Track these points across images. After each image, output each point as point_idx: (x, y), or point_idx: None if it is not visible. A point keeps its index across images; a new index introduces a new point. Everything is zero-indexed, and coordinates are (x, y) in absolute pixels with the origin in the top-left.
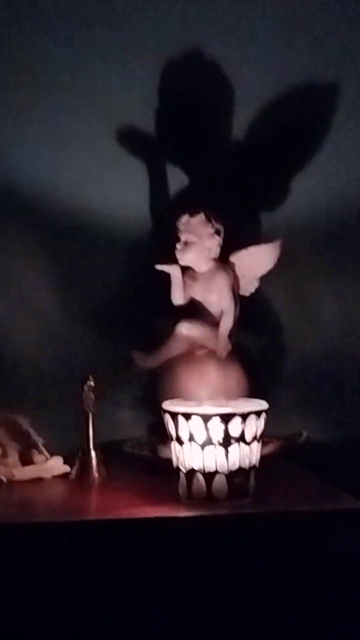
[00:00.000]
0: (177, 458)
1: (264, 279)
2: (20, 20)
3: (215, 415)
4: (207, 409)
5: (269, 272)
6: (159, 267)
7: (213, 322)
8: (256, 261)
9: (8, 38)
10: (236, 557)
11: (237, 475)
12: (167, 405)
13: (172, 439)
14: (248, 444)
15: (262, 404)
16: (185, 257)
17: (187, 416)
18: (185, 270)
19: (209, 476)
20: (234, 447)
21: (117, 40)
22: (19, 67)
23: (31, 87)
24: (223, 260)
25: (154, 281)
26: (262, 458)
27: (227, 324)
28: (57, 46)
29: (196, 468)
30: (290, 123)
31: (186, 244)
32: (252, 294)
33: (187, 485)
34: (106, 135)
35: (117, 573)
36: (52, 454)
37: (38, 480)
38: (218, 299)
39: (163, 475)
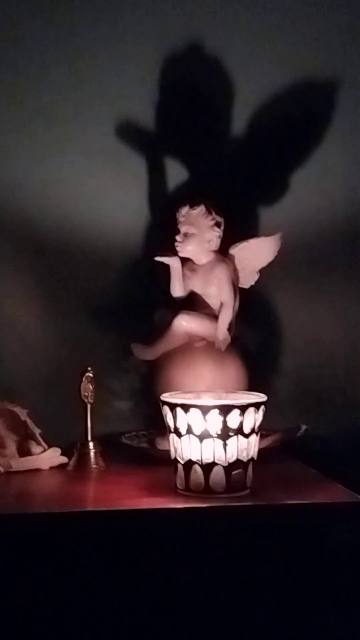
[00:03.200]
0: (175, 450)
1: (264, 272)
2: (18, 17)
3: (214, 407)
4: (205, 401)
5: (269, 265)
6: (158, 258)
7: (212, 314)
8: (256, 254)
9: (7, 37)
10: (233, 549)
11: (235, 468)
12: (166, 397)
13: (170, 431)
14: (246, 436)
15: (261, 397)
16: (185, 249)
17: (186, 408)
18: (184, 262)
19: (207, 468)
20: (232, 440)
21: (116, 33)
22: (17, 64)
23: (30, 84)
24: (223, 253)
25: (153, 273)
26: (261, 451)
27: (226, 316)
28: (56, 42)
29: (194, 460)
30: (290, 116)
31: (186, 235)
32: (251, 287)
33: (184, 477)
34: (106, 128)
35: (114, 564)
36: (50, 445)
37: (36, 471)
38: (217, 291)
39: (161, 467)
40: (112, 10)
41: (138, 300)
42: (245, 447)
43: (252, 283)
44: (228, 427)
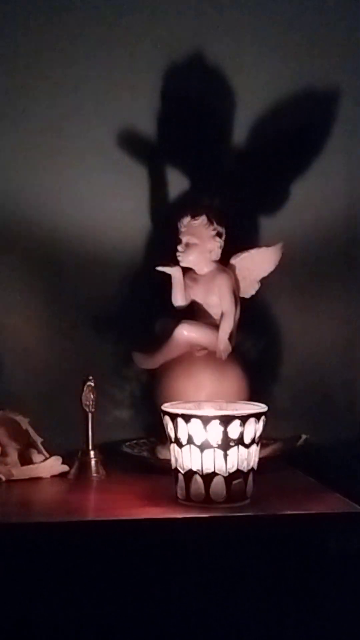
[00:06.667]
0: (176, 460)
1: (264, 282)
2: (20, 23)
3: (215, 417)
4: (206, 412)
5: (270, 275)
6: (160, 268)
7: (213, 324)
8: (257, 264)
9: (9, 43)
10: (233, 560)
11: (235, 478)
12: (167, 407)
13: (171, 441)
14: (247, 446)
15: (262, 407)
16: (187, 259)
17: (187, 418)
18: (186, 272)
19: (208, 478)
20: (233, 450)
21: (118, 43)
22: (19, 72)
23: (32, 92)
24: (224, 263)
25: (154, 282)
26: (261, 461)
27: (227, 326)
28: (57, 51)
29: (195, 470)
30: (291, 127)
31: (187, 245)
32: (252, 297)
33: (185, 486)
34: (108, 137)
35: (115, 574)
36: (51, 454)
37: (37, 479)
38: (219, 301)
39: (161, 476)
40: (115, 19)
41: (139, 310)
42: (246, 458)
43: (253, 293)
44: (229, 438)
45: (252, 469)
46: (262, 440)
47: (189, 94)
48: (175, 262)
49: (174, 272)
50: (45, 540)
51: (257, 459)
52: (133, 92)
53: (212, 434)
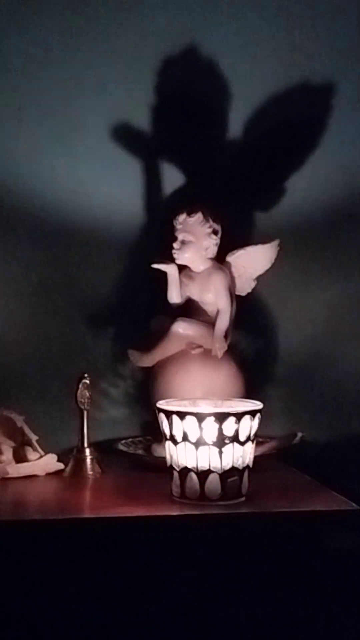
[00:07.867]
0: (171, 457)
1: (260, 279)
2: (19, 18)
3: (210, 414)
4: (201, 409)
5: (266, 273)
6: (155, 265)
7: (209, 321)
8: (253, 261)
9: (7, 37)
10: (229, 557)
11: (230, 475)
12: (162, 404)
13: (166, 438)
14: (242, 444)
15: (257, 404)
16: (182, 257)
17: (182, 415)
18: (182, 269)
19: (203, 475)
20: (228, 447)
21: (114, 37)
22: (17, 64)
23: (29, 85)
24: (220, 260)
25: (150, 280)
26: (256, 458)
27: (223, 323)
28: (55, 45)
29: (190, 467)
30: (287, 122)
31: (183, 243)
32: (248, 294)
33: (180, 484)
34: (103, 134)
35: (110, 571)
36: (46, 452)
37: (32, 477)
38: (214, 298)
39: (157, 474)
40: (110, 14)
41: (135, 307)
42: (241, 455)
43: (249, 290)
44: (224, 435)
45: (248, 466)
46: (257, 438)
47: (185, 90)
48: (171, 260)
49: (170, 269)
50: (40, 537)
51: (252, 457)
52: (129, 88)
53: (207, 431)
